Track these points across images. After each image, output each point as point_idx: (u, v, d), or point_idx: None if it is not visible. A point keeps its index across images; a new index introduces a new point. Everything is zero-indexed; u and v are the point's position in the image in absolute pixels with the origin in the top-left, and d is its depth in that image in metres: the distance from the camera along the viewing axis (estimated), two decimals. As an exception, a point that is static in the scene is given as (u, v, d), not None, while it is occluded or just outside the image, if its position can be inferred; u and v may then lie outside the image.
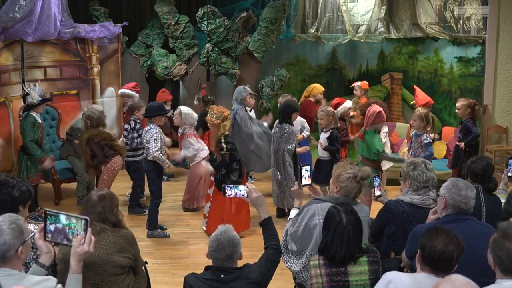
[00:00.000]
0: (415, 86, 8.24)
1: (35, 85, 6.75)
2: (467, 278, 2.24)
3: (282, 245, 3.52)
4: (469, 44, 8.91)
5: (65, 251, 3.03)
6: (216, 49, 9.17)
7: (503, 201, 4.12)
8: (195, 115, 7.09)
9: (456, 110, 6.93)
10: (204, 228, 6.35)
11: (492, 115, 8.92)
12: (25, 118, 6.55)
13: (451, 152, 7.32)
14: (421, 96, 7.89)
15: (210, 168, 6.31)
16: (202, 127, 7.53)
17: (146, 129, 6.23)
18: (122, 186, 7.59)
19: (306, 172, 4.15)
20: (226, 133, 6.01)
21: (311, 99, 8.08)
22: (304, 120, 7.45)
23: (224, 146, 5.96)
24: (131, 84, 8.04)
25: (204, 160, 6.86)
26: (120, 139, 6.91)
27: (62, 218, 2.77)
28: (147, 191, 6.77)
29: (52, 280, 2.63)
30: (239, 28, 9.25)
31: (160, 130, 6.27)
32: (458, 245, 2.67)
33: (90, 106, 7.01)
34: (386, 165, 6.89)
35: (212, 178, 6.35)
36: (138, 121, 6.90)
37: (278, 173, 6.54)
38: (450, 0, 8.90)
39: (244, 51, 9.36)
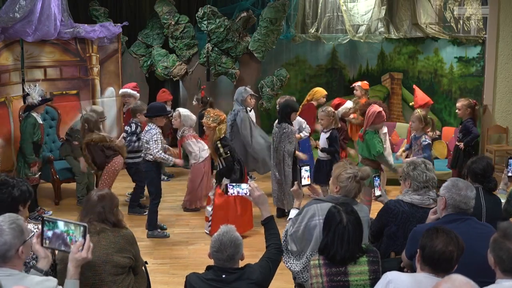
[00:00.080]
0: (414, 86, 8.24)
1: (35, 86, 6.76)
2: (467, 278, 2.24)
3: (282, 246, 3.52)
4: (469, 44, 8.90)
5: (65, 250, 3.04)
6: (216, 49, 9.16)
7: (503, 201, 4.12)
8: (194, 117, 7.08)
9: (456, 110, 6.92)
10: (207, 231, 6.32)
11: (492, 115, 8.92)
12: (25, 118, 6.55)
13: (451, 152, 7.32)
14: (420, 96, 7.89)
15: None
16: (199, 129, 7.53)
17: (146, 129, 6.20)
18: (122, 186, 7.59)
19: (305, 172, 4.14)
20: (222, 136, 6.00)
21: (314, 102, 8.08)
22: (303, 120, 7.45)
23: (222, 150, 5.95)
24: (131, 84, 8.03)
25: None
26: (119, 139, 6.92)
27: (60, 224, 2.78)
28: (147, 191, 6.78)
29: (53, 280, 2.63)
30: (239, 28, 9.24)
31: (160, 131, 6.26)
32: (458, 245, 2.67)
33: (89, 108, 7.01)
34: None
35: (213, 180, 6.35)
36: (139, 124, 6.89)
37: (277, 173, 6.54)
38: (450, 0, 8.90)
39: (244, 51, 9.35)
